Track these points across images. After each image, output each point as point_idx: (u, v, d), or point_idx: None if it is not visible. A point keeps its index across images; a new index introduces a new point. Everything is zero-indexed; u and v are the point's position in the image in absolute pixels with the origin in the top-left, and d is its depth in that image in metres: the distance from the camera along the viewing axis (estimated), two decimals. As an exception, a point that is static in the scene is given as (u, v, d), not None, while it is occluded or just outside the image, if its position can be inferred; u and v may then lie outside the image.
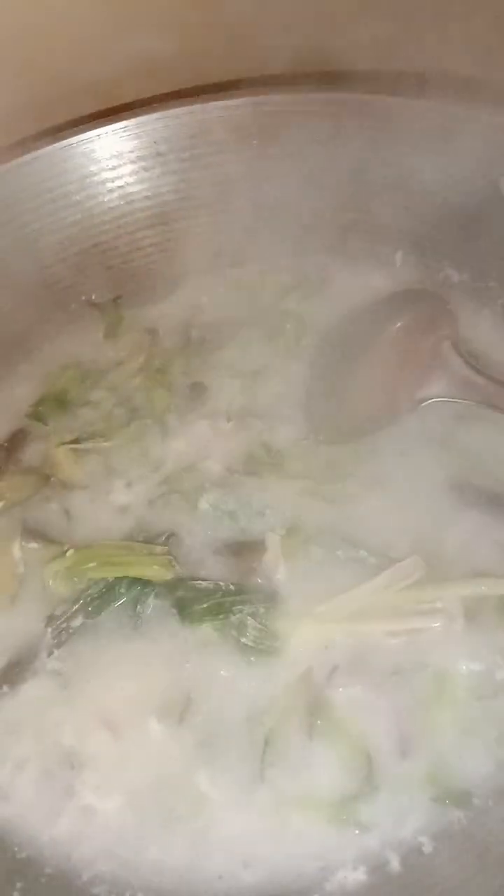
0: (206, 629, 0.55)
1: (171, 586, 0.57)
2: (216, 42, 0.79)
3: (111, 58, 0.77)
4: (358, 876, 0.47)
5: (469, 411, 0.60)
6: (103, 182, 0.77)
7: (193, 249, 0.78)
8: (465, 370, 0.57)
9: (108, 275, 0.79)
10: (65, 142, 0.73)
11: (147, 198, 0.78)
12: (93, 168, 0.76)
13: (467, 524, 0.58)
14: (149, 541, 0.60)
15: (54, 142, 0.73)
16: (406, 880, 0.45)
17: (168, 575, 0.57)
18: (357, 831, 0.48)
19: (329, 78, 0.76)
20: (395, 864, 0.47)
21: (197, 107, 0.76)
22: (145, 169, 0.77)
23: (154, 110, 0.77)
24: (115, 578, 0.58)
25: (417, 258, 0.75)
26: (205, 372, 0.71)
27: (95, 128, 0.76)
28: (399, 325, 0.62)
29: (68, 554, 0.58)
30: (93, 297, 0.78)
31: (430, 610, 0.53)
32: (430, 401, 0.59)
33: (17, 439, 0.67)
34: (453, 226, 0.72)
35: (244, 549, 0.59)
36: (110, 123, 0.76)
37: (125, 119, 0.76)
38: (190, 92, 0.79)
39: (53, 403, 0.70)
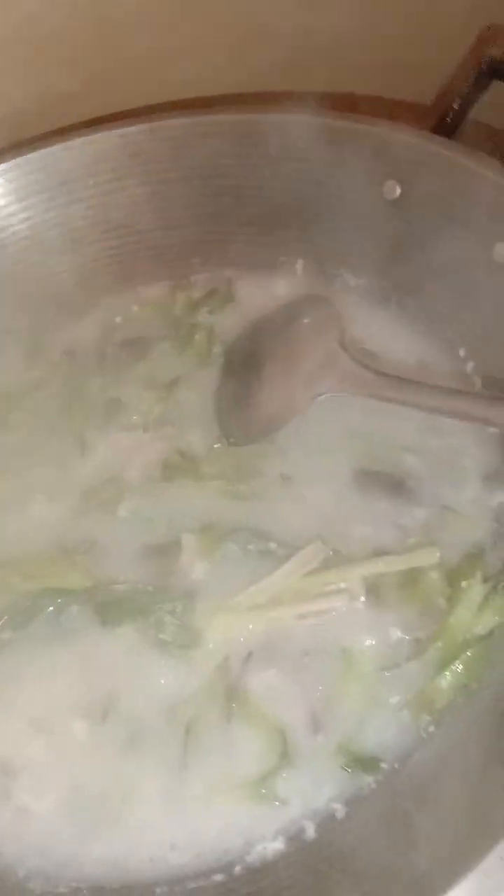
0: (127, 630, 0.57)
1: (91, 593, 0.59)
2: (115, 73, 0.82)
3: (13, 94, 0.81)
4: (277, 846, 0.49)
5: (365, 404, 0.63)
6: (13, 214, 0.79)
7: (105, 272, 0.81)
8: (353, 365, 0.61)
9: (23, 302, 0.81)
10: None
11: (56, 225, 0.80)
12: (1, 202, 0.79)
13: (369, 509, 0.61)
14: (70, 551, 0.62)
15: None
16: (320, 845, 0.48)
17: (88, 583, 0.59)
18: (276, 805, 0.50)
19: (225, 101, 0.80)
20: (310, 832, 0.49)
21: (95, 136, 0.79)
22: (52, 198, 0.80)
23: (56, 141, 0.80)
24: (39, 591, 0.60)
25: (317, 266, 0.79)
26: (121, 387, 0.73)
27: (1, 162, 0.79)
28: (294, 329, 0.66)
29: (-8, 571, 0.60)
30: (9, 325, 0.80)
31: (334, 591, 0.56)
32: (323, 396, 0.62)
33: None
34: (347, 233, 0.76)
35: (162, 552, 0.61)
36: (14, 157, 0.79)
37: (29, 152, 0.79)
38: (90, 122, 0.82)
39: (-26, 430, 0.72)
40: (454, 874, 0.37)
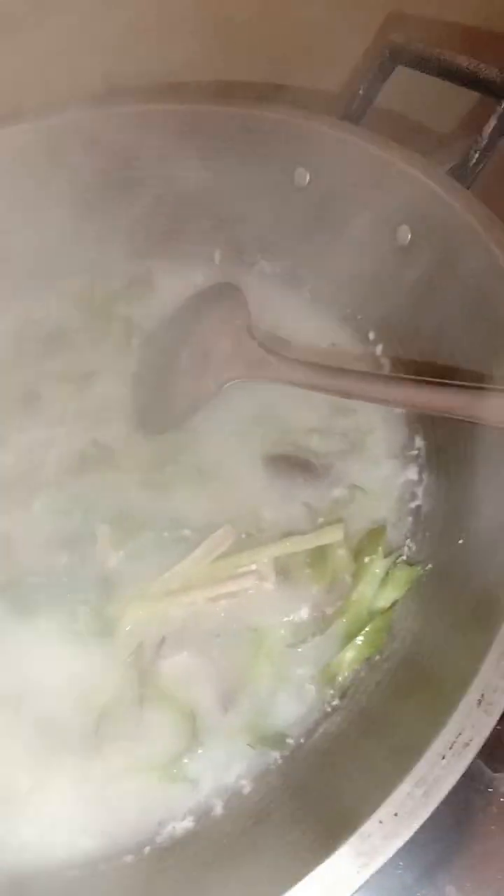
0: (41, 622, 0.58)
1: (5, 586, 0.59)
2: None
3: None
4: (186, 824, 0.50)
5: (273, 389, 0.64)
6: None
7: (22, 265, 0.81)
8: (259, 352, 0.61)
9: None
10: None
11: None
12: None
13: (279, 491, 0.62)
14: (-16, 547, 0.62)
15: None
16: (227, 820, 0.49)
17: (2, 576, 0.59)
18: (187, 785, 0.51)
19: (133, 91, 0.80)
20: (218, 809, 0.50)
21: (10, 129, 0.79)
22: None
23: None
24: (-48, 586, 0.60)
25: (234, 255, 0.80)
26: (39, 381, 0.73)
27: None
28: (204, 318, 0.66)
29: None
30: None
31: (245, 573, 0.57)
32: (231, 382, 0.63)
33: None
34: (261, 221, 0.77)
35: (76, 543, 0.62)
36: None
37: None
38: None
39: None
40: (337, 839, 0.38)
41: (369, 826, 0.37)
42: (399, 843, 0.36)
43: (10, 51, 0.78)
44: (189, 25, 0.82)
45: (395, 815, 0.37)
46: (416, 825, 0.37)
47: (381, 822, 0.37)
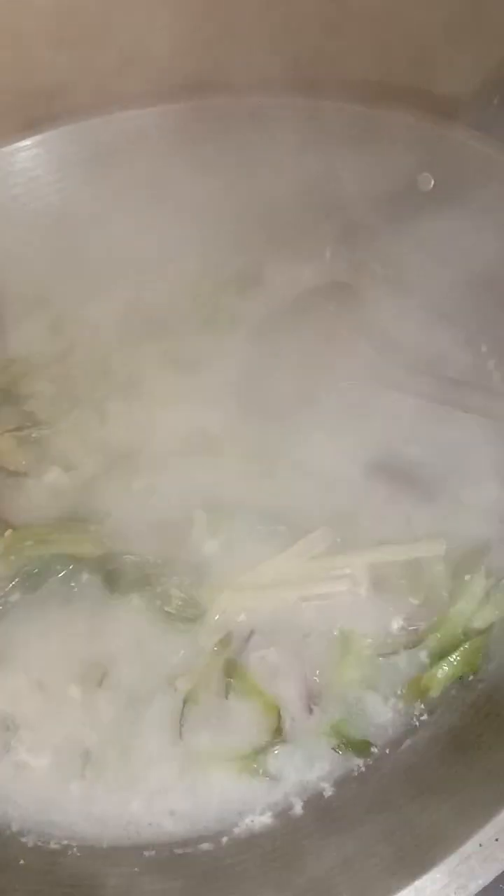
0: (134, 600, 0.59)
1: (101, 562, 0.60)
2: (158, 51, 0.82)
3: (55, 65, 0.81)
4: (264, 820, 0.50)
5: (383, 395, 0.63)
6: (49, 185, 0.80)
7: (134, 246, 0.82)
8: (372, 357, 0.61)
9: (54, 273, 0.82)
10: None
11: (90, 199, 0.81)
12: (40, 171, 0.80)
13: (378, 498, 0.61)
14: (84, 520, 0.63)
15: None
16: (307, 821, 0.49)
17: (99, 551, 0.61)
18: (266, 780, 0.51)
19: (263, 86, 0.80)
20: (298, 808, 0.50)
21: (140, 112, 0.80)
22: (89, 172, 0.81)
23: (94, 115, 0.80)
24: (51, 556, 0.61)
25: (346, 254, 0.79)
26: (143, 365, 0.74)
27: (42, 132, 0.80)
28: (318, 317, 0.66)
29: (7, 534, 0.62)
30: (39, 295, 0.81)
31: (338, 576, 0.57)
32: (343, 384, 0.62)
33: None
34: (377, 222, 0.76)
35: (173, 527, 0.62)
36: (54, 128, 0.80)
37: (68, 123, 0.80)
38: (132, 96, 0.82)
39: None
40: (432, 858, 0.37)
41: (468, 847, 0.37)
42: (500, 868, 0.35)
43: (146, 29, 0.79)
44: (316, 19, 0.81)
45: (496, 840, 0.37)
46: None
47: (481, 844, 0.37)
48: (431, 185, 0.72)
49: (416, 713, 0.53)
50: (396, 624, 0.56)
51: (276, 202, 0.79)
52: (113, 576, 0.59)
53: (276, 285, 0.79)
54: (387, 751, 0.52)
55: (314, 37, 0.80)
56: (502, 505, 0.60)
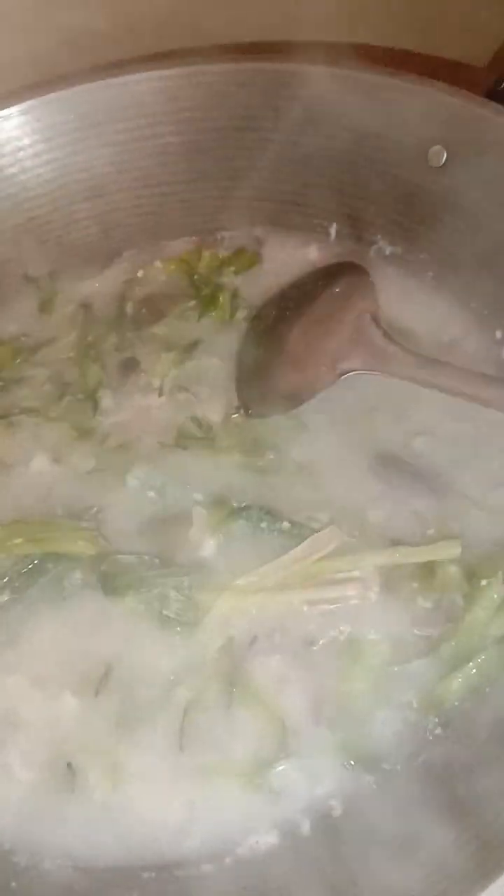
0: (130, 602, 0.56)
1: (95, 561, 0.57)
2: (150, 15, 0.78)
3: (45, 30, 0.77)
4: (269, 839, 0.48)
5: (392, 384, 0.60)
6: (38, 154, 0.76)
7: (130, 223, 0.78)
8: (384, 343, 0.57)
9: (43, 249, 0.78)
10: (-4, 113, 0.72)
11: (83, 170, 0.77)
12: (26, 140, 0.75)
13: (387, 495, 0.58)
14: (76, 516, 0.60)
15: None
16: (314, 842, 0.47)
17: (93, 550, 0.57)
18: (272, 796, 0.49)
19: (262, 49, 0.76)
20: (305, 828, 0.48)
21: (130, 77, 0.75)
22: (80, 140, 0.76)
23: (88, 81, 0.75)
24: (42, 554, 0.58)
25: (351, 231, 0.75)
26: (138, 346, 0.71)
27: (28, 99, 0.75)
28: (324, 299, 0.62)
29: (-5, 531, 0.59)
30: (28, 272, 0.77)
31: (346, 579, 0.54)
32: (350, 373, 0.59)
33: None
34: (386, 198, 0.72)
35: (170, 524, 0.59)
36: (43, 94, 0.75)
37: (58, 90, 0.75)
38: (124, 63, 0.78)
39: (-15, 379, 0.69)
40: (448, 889, 0.35)
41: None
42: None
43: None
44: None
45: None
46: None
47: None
48: (444, 159, 0.68)
49: (430, 727, 0.50)
50: (409, 631, 0.53)
51: (278, 176, 0.75)
52: (107, 576, 0.56)
53: (277, 265, 0.75)
54: (399, 767, 0.49)
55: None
56: (517, 505, 0.57)
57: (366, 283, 0.62)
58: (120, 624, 0.55)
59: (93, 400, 0.67)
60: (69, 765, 0.50)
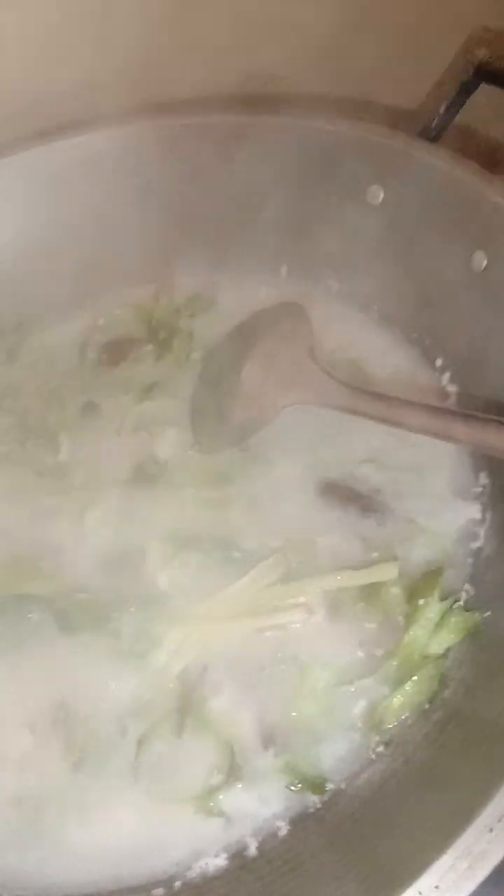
0: (85, 638, 0.57)
1: (52, 600, 0.59)
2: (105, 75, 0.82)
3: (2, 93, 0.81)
4: (219, 862, 0.49)
5: (334, 415, 0.62)
6: (1, 214, 0.79)
7: (90, 273, 0.81)
8: (321, 377, 0.60)
9: (9, 301, 0.81)
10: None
11: (43, 226, 0.80)
12: (-12, 201, 0.79)
13: (334, 521, 0.60)
14: (35, 557, 0.62)
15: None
16: (261, 862, 0.48)
17: (50, 589, 0.59)
18: (221, 820, 0.50)
19: (213, 102, 0.80)
20: (252, 849, 0.49)
21: (84, 137, 0.79)
22: (40, 199, 0.80)
23: (44, 142, 0.80)
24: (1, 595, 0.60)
25: (301, 271, 0.78)
26: (98, 391, 0.73)
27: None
28: (267, 337, 0.65)
29: (-47, 573, 0.61)
30: (-4, 324, 0.80)
31: (293, 605, 0.56)
32: (290, 406, 0.61)
33: None
34: (331, 238, 0.75)
35: (126, 559, 0.61)
36: (3, 157, 0.79)
37: (18, 152, 0.79)
38: (79, 124, 0.82)
39: (-49, 426, 0.72)
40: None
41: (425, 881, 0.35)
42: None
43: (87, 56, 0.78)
44: (262, 32, 0.80)
45: (437, 887, 0.36)
46: (458, 900, 0.35)
47: (420, 893, 0.35)
48: (381, 198, 0.71)
49: (373, 745, 0.51)
50: (353, 652, 0.54)
51: (229, 221, 0.79)
52: (65, 614, 0.58)
53: (231, 306, 0.78)
54: (343, 786, 0.50)
55: (261, 53, 0.79)
56: (457, 527, 0.58)
57: (303, 320, 0.65)
58: (76, 660, 0.57)
59: (53, 443, 0.69)
60: (27, 803, 0.51)
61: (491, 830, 0.36)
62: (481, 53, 0.70)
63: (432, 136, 0.72)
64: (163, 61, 0.80)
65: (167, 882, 0.48)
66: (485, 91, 0.71)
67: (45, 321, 0.80)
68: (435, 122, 0.73)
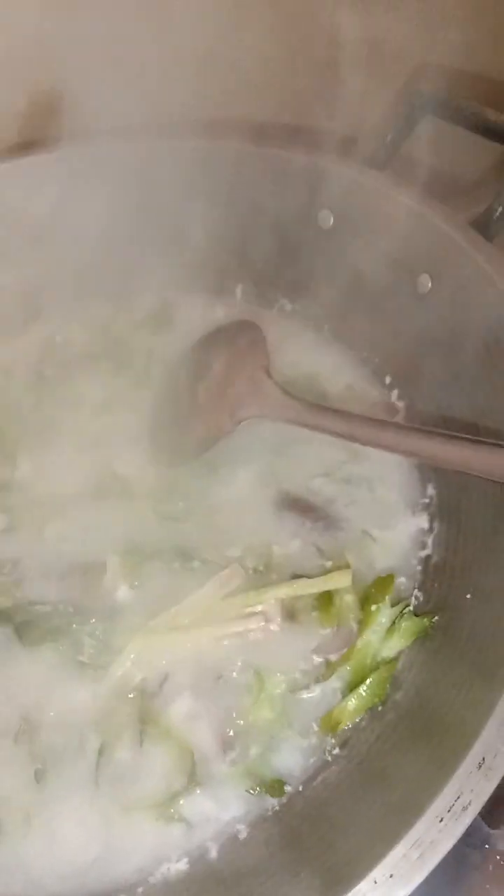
0: (45, 651, 0.58)
1: (11, 613, 0.59)
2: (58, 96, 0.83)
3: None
4: (180, 867, 0.50)
5: (288, 429, 0.64)
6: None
7: (47, 290, 0.82)
8: (276, 392, 0.62)
9: (-38, 314, 0.81)
10: None
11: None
12: None
13: (289, 531, 0.62)
14: (-6, 571, 0.62)
15: None
16: (222, 865, 0.49)
17: (8, 602, 0.60)
18: (182, 826, 0.51)
19: (167, 127, 0.82)
20: (213, 853, 0.50)
21: (39, 157, 0.80)
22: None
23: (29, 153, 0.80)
24: (-41, 609, 0.60)
25: (255, 291, 0.81)
26: (56, 406, 0.74)
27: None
28: (223, 354, 0.67)
29: None
30: (-50, 341, 0.80)
31: (250, 613, 0.57)
32: (246, 420, 0.63)
33: None
34: (284, 260, 0.78)
35: (86, 572, 0.62)
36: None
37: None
38: (27, 144, 0.83)
39: None
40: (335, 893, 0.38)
41: (364, 885, 0.37)
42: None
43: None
44: (214, 62, 0.83)
45: (391, 876, 0.37)
46: (410, 887, 0.37)
47: (375, 881, 0.37)
48: (332, 222, 0.74)
49: (329, 748, 0.53)
50: (309, 658, 0.56)
51: (186, 243, 0.81)
52: (24, 627, 0.59)
53: (188, 324, 0.80)
54: (300, 788, 0.52)
55: (214, 79, 0.81)
56: (407, 536, 0.61)
57: (259, 338, 0.67)
58: (36, 672, 0.57)
59: (11, 459, 0.70)
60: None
61: (441, 821, 0.38)
62: (426, 87, 0.74)
63: (379, 164, 0.76)
64: (110, 87, 0.81)
65: (129, 889, 0.49)
66: (430, 122, 0.74)
67: (0, 337, 0.81)
68: (382, 150, 0.76)
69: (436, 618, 0.55)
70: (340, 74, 0.80)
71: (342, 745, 0.53)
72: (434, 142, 0.77)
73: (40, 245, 0.81)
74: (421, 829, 0.38)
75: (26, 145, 0.79)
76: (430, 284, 0.65)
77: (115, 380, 0.76)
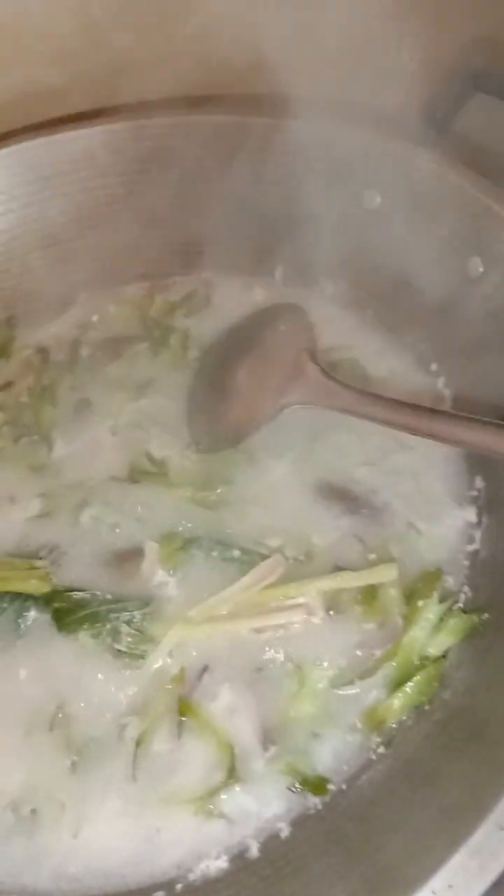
0: (83, 637, 0.57)
1: (49, 598, 0.58)
2: (101, 70, 0.81)
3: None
4: (220, 864, 0.49)
5: (332, 416, 0.63)
6: (-7, 207, 0.78)
7: (83, 269, 0.81)
8: (321, 378, 0.60)
9: (1, 296, 0.80)
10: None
11: (36, 220, 0.79)
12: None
13: (332, 522, 0.61)
14: (31, 555, 0.61)
15: None
16: (263, 864, 0.48)
17: (46, 587, 0.59)
18: (222, 822, 0.50)
19: (210, 101, 0.79)
20: (254, 850, 0.49)
21: (79, 132, 0.78)
22: (33, 193, 0.79)
23: (39, 136, 0.79)
24: (-2, 593, 0.59)
25: (295, 273, 0.78)
26: (92, 388, 0.73)
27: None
28: (266, 338, 0.65)
29: (-50, 571, 0.60)
30: (-14, 319, 0.79)
31: (292, 605, 0.56)
32: (290, 407, 0.61)
33: None
34: (326, 242, 0.75)
35: (123, 558, 0.61)
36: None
37: (11, 145, 0.78)
38: (74, 118, 0.81)
39: None
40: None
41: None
42: (453, 918, 0.34)
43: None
44: (274, 36, 0.80)
45: (450, 886, 0.36)
46: (470, 899, 0.36)
47: (434, 892, 0.36)
48: (378, 202, 0.71)
49: (373, 746, 0.52)
50: (352, 652, 0.55)
51: (225, 222, 0.79)
52: (61, 613, 0.58)
53: (226, 307, 0.78)
54: (344, 787, 0.50)
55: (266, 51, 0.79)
56: (454, 530, 0.59)
57: (303, 322, 0.65)
58: (73, 660, 0.56)
59: (47, 441, 0.68)
60: (24, 804, 0.51)
61: (502, 829, 0.37)
62: (480, 62, 0.71)
63: (429, 142, 0.73)
64: (153, 59, 0.79)
65: (168, 885, 0.48)
66: (481, 99, 0.72)
67: (37, 317, 0.79)
68: (432, 128, 0.73)
69: (486, 615, 0.53)
70: (388, 48, 0.78)
71: (387, 744, 0.51)
72: (485, 119, 0.74)
73: (76, 225, 0.79)
74: (480, 837, 0.37)
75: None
76: (481, 269, 0.63)
77: (151, 362, 0.75)
